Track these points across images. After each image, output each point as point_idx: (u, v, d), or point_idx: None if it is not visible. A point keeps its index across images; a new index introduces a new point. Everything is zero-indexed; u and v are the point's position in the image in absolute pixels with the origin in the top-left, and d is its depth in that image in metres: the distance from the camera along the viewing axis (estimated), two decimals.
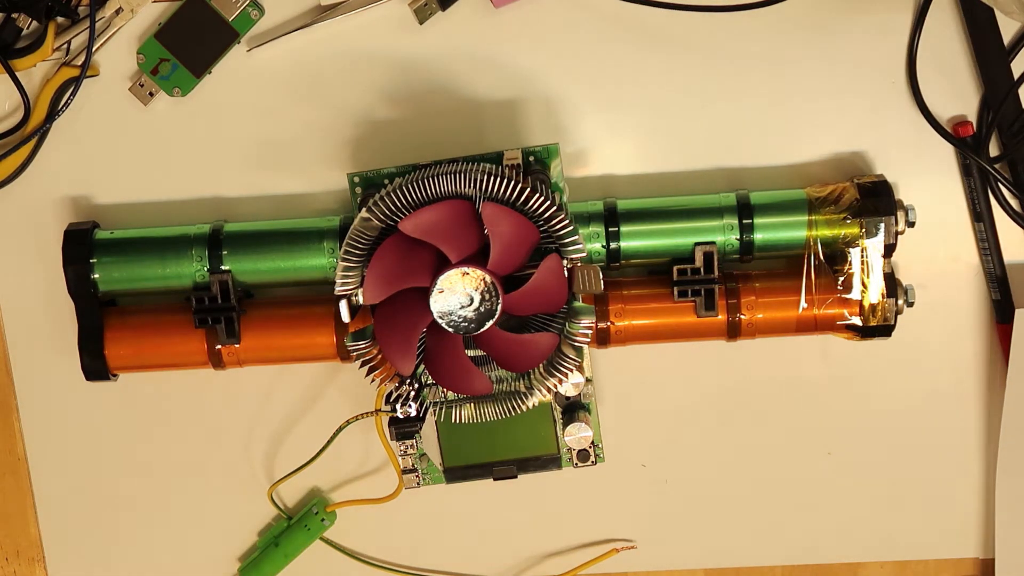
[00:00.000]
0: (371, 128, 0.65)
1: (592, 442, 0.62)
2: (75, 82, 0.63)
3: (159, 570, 0.70)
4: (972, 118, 0.64)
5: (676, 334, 0.63)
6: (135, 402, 0.68)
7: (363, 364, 0.58)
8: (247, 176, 0.65)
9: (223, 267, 0.62)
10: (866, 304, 0.61)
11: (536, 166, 0.59)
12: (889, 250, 0.61)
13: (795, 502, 0.69)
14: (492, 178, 0.55)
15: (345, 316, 0.57)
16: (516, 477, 0.63)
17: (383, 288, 0.56)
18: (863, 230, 0.61)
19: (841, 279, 0.61)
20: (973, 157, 0.63)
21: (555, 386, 0.58)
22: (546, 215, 0.55)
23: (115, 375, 0.64)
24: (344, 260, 0.56)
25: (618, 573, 0.70)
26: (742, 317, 0.62)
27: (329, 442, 0.64)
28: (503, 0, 0.63)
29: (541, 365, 0.58)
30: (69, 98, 0.63)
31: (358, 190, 0.60)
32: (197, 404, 0.68)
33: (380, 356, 0.58)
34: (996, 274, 0.65)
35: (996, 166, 0.64)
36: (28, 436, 0.68)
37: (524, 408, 0.58)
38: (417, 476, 0.63)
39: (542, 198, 0.55)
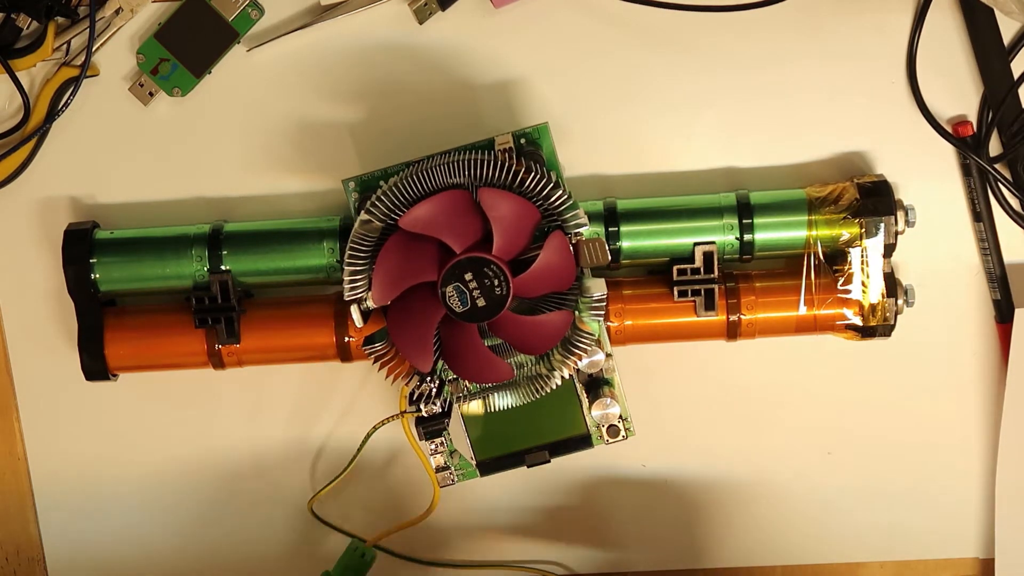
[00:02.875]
0: (371, 128, 0.65)
1: (620, 416, 0.62)
2: (75, 82, 0.63)
3: (159, 569, 0.70)
4: (972, 118, 0.64)
5: (676, 334, 0.63)
6: (135, 402, 0.68)
7: (382, 366, 0.58)
8: (247, 176, 0.65)
9: (223, 267, 0.62)
10: (866, 304, 0.61)
11: (529, 147, 0.59)
12: (889, 250, 0.61)
13: (795, 502, 0.69)
14: (485, 163, 0.55)
15: (358, 321, 0.57)
16: (549, 462, 0.62)
17: (391, 288, 0.56)
18: (863, 230, 0.61)
19: (841, 279, 0.61)
20: (973, 157, 0.63)
21: (575, 364, 0.57)
22: (543, 193, 0.55)
23: (115, 375, 0.64)
24: (350, 264, 0.56)
25: (618, 573, 0.70)
26: (742, 317, 0.62)
27: (360, 448, 0.64)
28: (503, 0, 0.63)
29: (559, 345, 0.58)
30: (69, 98, 0.63)
31: (354, 194, 0.60)
32: (197, 404, 0.68)
33: (398, 356, 0.58)
34: (996, 274, 0.65)
35: (996, 166, 0.64)
36: (28, 436, 0.68)
37: (548, 389, 0.58)
38: (451, 473, 0.63)
39: (536, 176, 0.55)
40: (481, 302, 0.55)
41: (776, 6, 0.61)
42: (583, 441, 0.62)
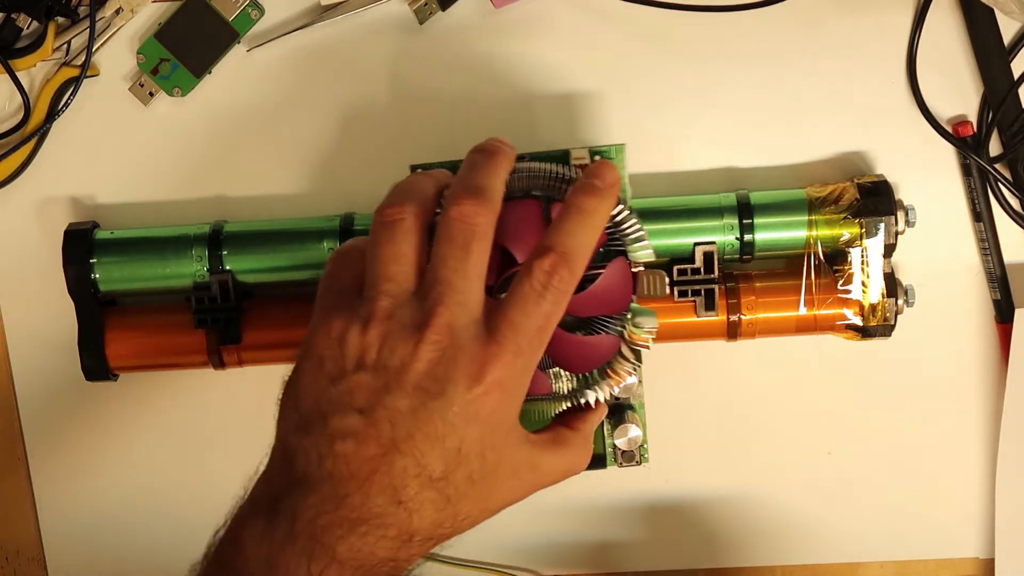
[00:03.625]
0: (371, 128, 0.65)
1: (640, 444, 0.62)
2: (75, 82, 0.63)
3: (159, 570, 0.70)
4: (972, 118, 0.64)
5: (676, 334, 0.63)
6: (135, 402, 0.68)
7: None
8: (247, 176, 0.65)
9: (223, 267, 0.62)
10: (866, 304, 0.61)
11: None
12: (889, 250, 0.61)
13: (795, 502, 0.69)
14: (567, 180, 0.53)
15: None
16: None
17: None
18: (863, 230, 0.61)
19: (841, 279, 0.61)
20: (973, 157, 0.63)
21: (611, 387, 0.56)
22: (618, 219, 0.54)
23: (115, 375, 0.64)
24: None
25: (619, 573, 0.70)
26: (742, 317, 0.62)
27: None
28: (503, 0, 0.63)
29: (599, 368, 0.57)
30: (69, 98, 0.63)
31: None
32: (197, 404, 0.68)
33: None
34: (996, 274, 0.65)
35: (996, 166, 0.64)
36: (28, 436, 0.68)
37: (583, 405, 0.57)
38: None
39: (618, 204, 0.53)
40: None
41: (776, 6, 0.61)
42: (597, 461, 0.62)
